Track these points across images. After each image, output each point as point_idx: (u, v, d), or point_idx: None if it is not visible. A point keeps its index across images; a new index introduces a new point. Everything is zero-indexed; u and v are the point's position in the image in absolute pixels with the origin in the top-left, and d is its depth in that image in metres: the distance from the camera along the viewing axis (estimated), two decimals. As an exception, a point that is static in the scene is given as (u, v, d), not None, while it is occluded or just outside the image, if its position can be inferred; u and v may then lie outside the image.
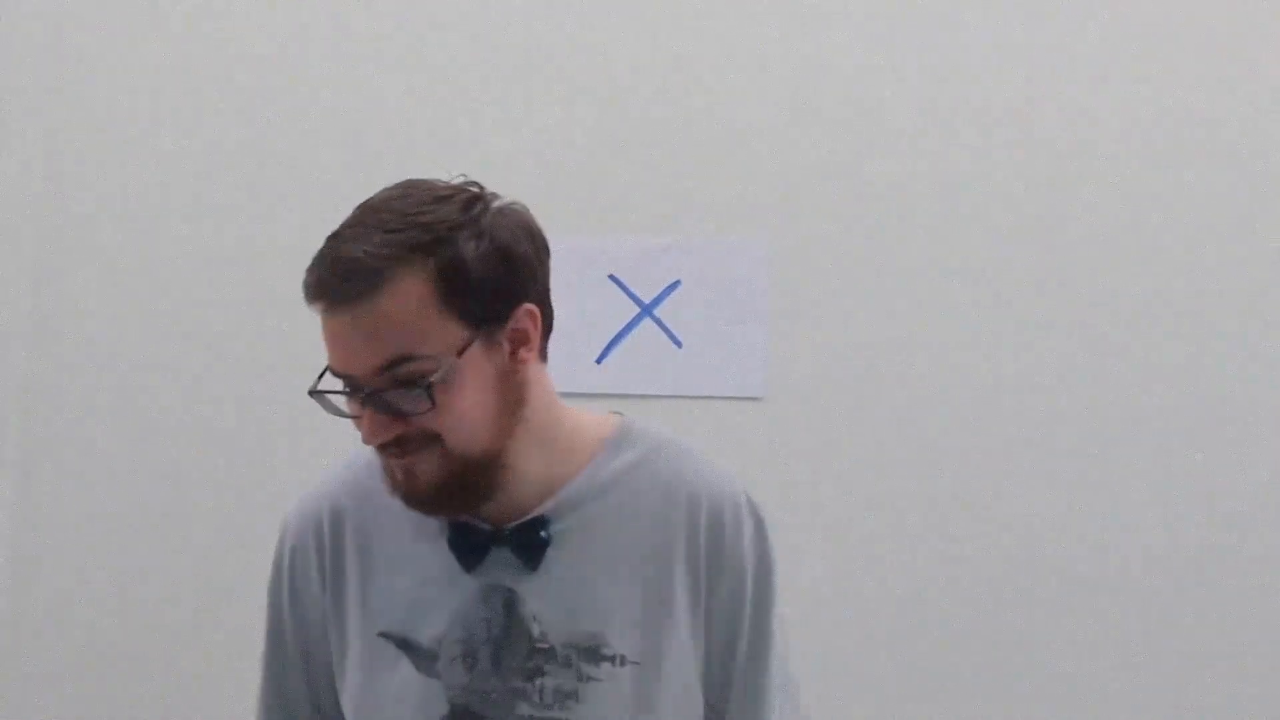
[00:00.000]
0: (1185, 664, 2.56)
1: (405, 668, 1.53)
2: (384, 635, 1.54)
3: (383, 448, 1.48)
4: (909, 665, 2.59)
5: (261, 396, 2.75)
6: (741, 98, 2.74)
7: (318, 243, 2.72)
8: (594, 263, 2.71)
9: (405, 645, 1.53)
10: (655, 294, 2.71)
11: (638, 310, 2.71)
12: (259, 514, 2.71)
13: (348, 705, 1.57)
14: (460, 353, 1.44)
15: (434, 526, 1.54)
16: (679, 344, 2.70)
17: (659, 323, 2.70)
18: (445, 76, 2.79)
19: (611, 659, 1.51)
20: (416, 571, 1.54)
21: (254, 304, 2.77)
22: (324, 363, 2.82)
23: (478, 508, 1.51)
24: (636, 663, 1.51)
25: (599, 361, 2.68)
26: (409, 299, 1.42)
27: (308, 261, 2.93)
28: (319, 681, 1.62)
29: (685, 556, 1.54)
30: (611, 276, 2.71)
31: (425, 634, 1.53)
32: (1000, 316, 2.66)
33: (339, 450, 2.67)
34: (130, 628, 2.73)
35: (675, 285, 2.71)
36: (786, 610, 1.60)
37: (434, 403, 1.42)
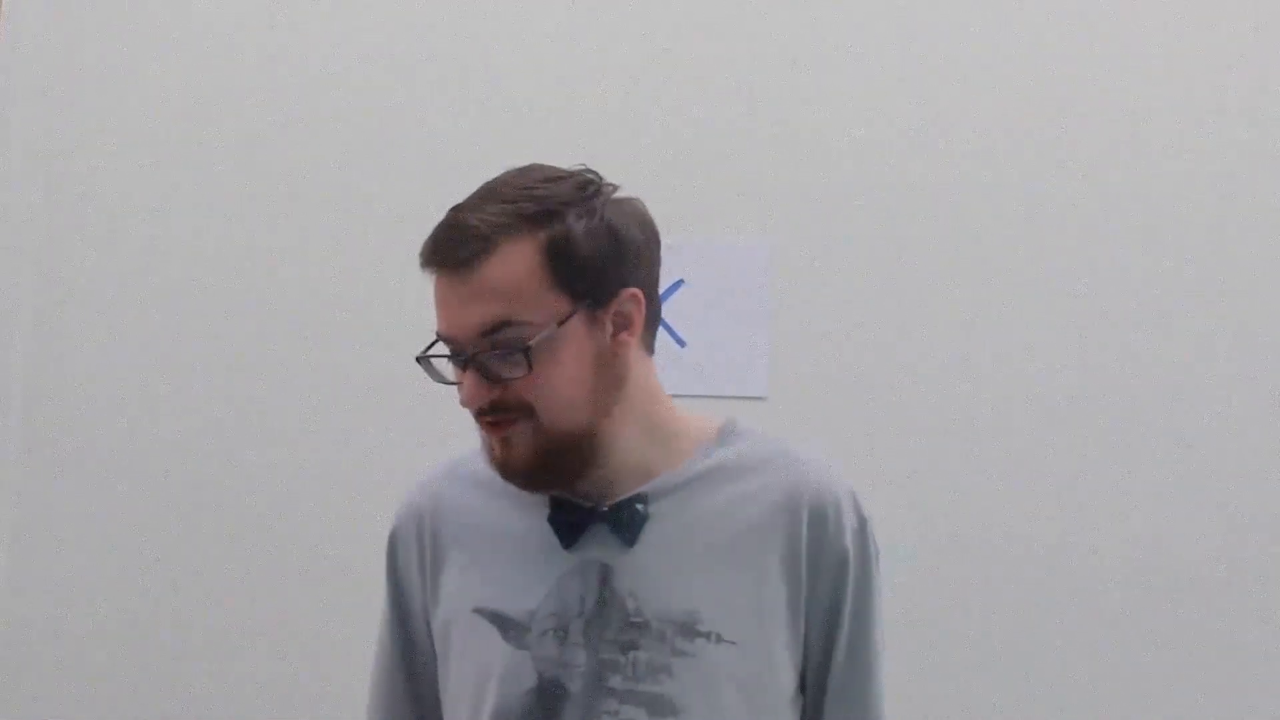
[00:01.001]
0: (1188, 665, 2.56)
1: (496, 641, 1.56)
2: (477, 611, 1.58)
3: (480, 418, 1.52)
4: (914, 664, 2.59)
5: (266, 398, 2.75)
6: (745, 98, 2.74)
7: (321, 244, 2.74)
8: (597, 262, 2.71)
9: (498, 619, 1.57)
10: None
11: (641, 310, 2.70)
12: (263, 515, 2.72)
13: (449, 685, 1.61)
14: (561, 323, 1.49)
15: (535, 505, 1.58)
16: (682, 344, 2.70)
17: (662, 322, 2.70)
18: (448, 77, 2.79)
19: (706, 635, 1.53)
20: (515, 548, 1.58)
21: (258, 306, 2.77)
22: (327, 365, 2.83)
23: (572, 484, 1.55)
24: (732, 643, 1.53)
25: (602, 361, 2.68)
26: (515, 266, 1.48)
27: (312, 262, 2.94)
28: (419, 670, 1.67)
29: (784, 549, 1.57)
30: (614, 276, 2.71)
31: (519, 608, 1.56)
32: (1003, 317, 2.66)
33: (345, 451, 2.69)
34: (133, 629, 2.73)
35: (678, 285, 2.71)
36: (885, 608, 1.63)
37: (531, 368, 1.47)
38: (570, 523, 1.57)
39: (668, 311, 2.71)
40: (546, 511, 1.58)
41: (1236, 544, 2.58)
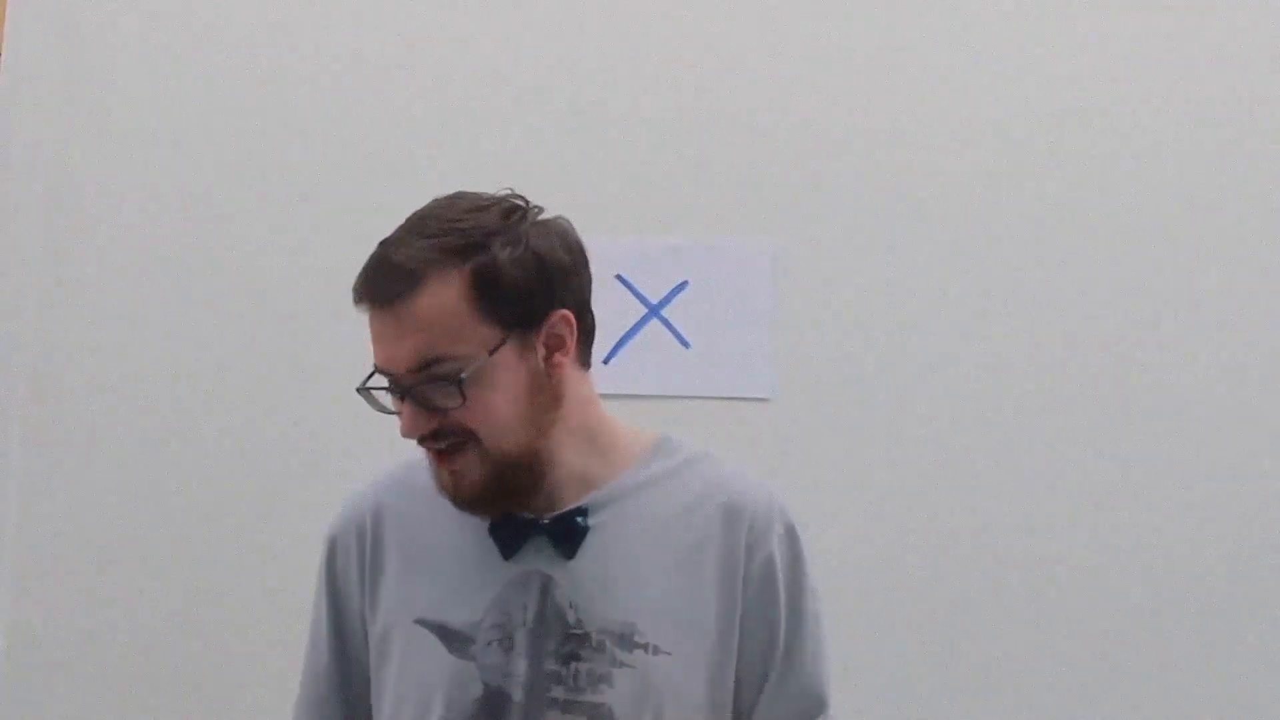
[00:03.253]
0: (1191, 666, 2.56)
1: (440, 652, 1.59)
2: (420, 622, 1.61)
3: (425, 445, 1.56)
4: (918, 664, 2.59)
5: (271, 399, 2.75)
6: (750, 99, 2.74)
7: (324, 246, 2.76)
8: (601, 263, 2.62)
9: (441, 630, 1.60)
10: (663, 294, 2.71)
11: (645, 311, 2.71)
12: (266, 517, 2.72)
13: (386, 694, 1.63)
14: (491, 352, 1.52)
15: (474, 518, 1.61)
16: (686, 345, 2.70)
17: (666, 323, 2.70)
18: (453, 77, 2.79)
19: (644, 646, 1.57)
20: (456, 559, 1.62)
21: (262, 306, 2.76)
22: (329, 366, 2.83)
23: (522, 503, 1.59)
24: (668, 653, 1.57)
25: (606, 362, 2.68)
26: (443, 301, 1.51)
27: (315, 265, 2.95)
28: (352, 678, 1.69)
29: (720, 559, 1.61)
30: (619, 277, 2.71)
31: (462, 618, 1.59)
32: (1007, 318, 2.66)
33: (348, 452, 2.69)
34: (137, 631, 2.72)
35: (683, 286, 2.71)
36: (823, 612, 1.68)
37: (465, 398, 1.51)
38: (511, 534, 1.60)
39: (672, 312, 2.71)
40: (487, 523, 1.61)
41: (1243, 546, 2.58)
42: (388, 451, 2.65)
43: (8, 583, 2.74)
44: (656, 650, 1.56)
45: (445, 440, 1.54)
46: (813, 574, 1.68)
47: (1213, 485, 2.59)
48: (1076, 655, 2.58)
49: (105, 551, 2.74)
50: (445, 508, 1.61)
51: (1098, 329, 2.64)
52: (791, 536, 1.66)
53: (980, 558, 2.61)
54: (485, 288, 1.52)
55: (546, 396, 1.57)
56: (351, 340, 2.71)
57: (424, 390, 1.52)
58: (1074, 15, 2.71)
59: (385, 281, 1.53)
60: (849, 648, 2.57)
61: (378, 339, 1.55)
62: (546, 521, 1.60)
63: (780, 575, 1.63)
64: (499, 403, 1.53)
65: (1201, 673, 2.56)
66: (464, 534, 1.61)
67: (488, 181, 1.64)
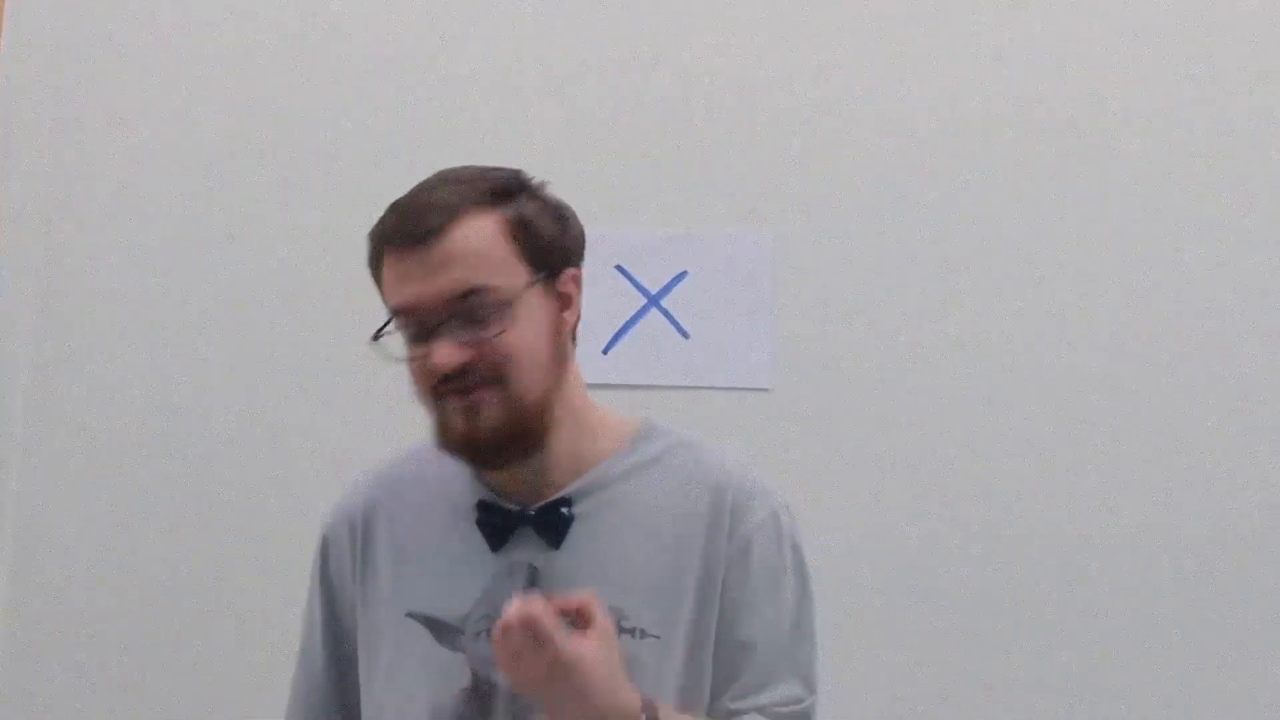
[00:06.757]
0: (1191, 663, 2.56)
1: (430, 645, 1.60)
2: (411, 615, 1.62)
3: (445, 387, 1.55)
4: (916, 657, 2.59)
5: (269, 399, 2.74)
6: (751, 89, 2.73)
7: (323, 243, 2.74)
8: (600, 253, 2.66)
9: (431, 623, 1.61)
10: (662, 285, 2.71)
11: (644, 301, 2.70)
12: (266, 516, 2.71)
13: (377, 687, 1.63)
14: (528, 287, 1.56)
15: (463, 511, 1.63)
16: (686, 335, 2.70)
17: (666, 314, 2.70)
18: (452, 67, 2.79)
19: (630, 631, 1.57)
20: (446, 553, 1.63)
21: (263, 308, 2.76)
22: (330, 364, 2.82)
23: (526, 458, 1.59)
24: (656, 636, 1.58)
25: (605, 352, 2.68)
26: (481, 235, 1.55)
27: (314, 261, 2.93)
28: (346, 676, 1.69)
29: (705, 542, 1.61)
30: (618, 267, 2.71)
31: (452, 611, 1.60)
32: (1007, 308, 2.66)
33: (347, 450, 2.68)
34: (138, 630, 2.72)
35: (682, 276, 2.71)
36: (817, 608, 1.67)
37: (506, 326, 1.53)
38: (498, 526, 1.61)
39: (672, 302, 2.71)
40: (474, 517, 1.62)
41: (1243, 545, 2.58)
42: (389, 450, 2.65)
43: (8, 581, 2.75)
44: (643, 634, 1.57)
45: (472, 378, 1.54)
46: (799, 559, 1.67)
47: (1213, 483, 2.59)
48: (1080, 649, 2.57)
49: (106, 551, 2.74)
50: (435, 502, 1.63)
51: (1100, 320, 2.64)
52: (775, 521, 1.65)
53: (980, 548, 2.61)
54: (518, 229, 1.57)
55: (560, 349, 1.60)
56: (355, 339, 2.72)
57: (463, 321, 1.53)
58: (1079, 11, 2.70)
59: (421, 219, 1.55)
60: (848, 639, 2.59)
61: (406, 279, 1.55)
62: (533, 513, 1.60)
63: (755, 561, 1.62)
64: (530, 341, 1.55)
65: (1199, 671, 2.56)
66: (453, 528, 1.63)
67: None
